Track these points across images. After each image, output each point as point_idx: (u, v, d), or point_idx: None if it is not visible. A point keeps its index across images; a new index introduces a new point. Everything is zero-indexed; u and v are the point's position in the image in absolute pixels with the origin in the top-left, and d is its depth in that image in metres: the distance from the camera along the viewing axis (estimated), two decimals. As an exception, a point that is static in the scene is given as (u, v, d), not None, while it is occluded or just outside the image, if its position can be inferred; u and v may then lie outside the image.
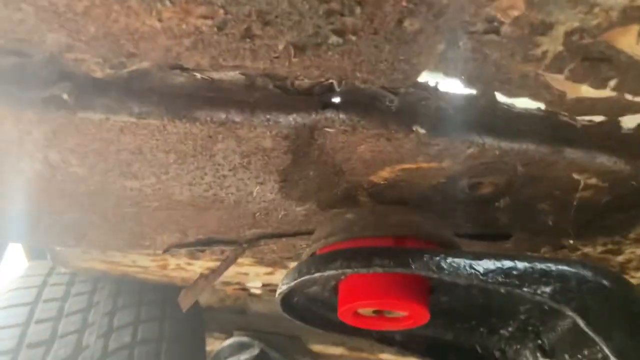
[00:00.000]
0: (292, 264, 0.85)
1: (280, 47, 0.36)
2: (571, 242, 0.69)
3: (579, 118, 0.47)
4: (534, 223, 0.61)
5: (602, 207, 0.58)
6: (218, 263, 0.85)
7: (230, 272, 1.06)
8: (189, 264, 1.11)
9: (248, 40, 0.35)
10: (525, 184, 0.53)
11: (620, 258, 0.76)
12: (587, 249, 0.73)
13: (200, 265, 1.09)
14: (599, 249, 0.73)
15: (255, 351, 1.64)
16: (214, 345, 1.83)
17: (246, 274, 1.24)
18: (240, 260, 0.78)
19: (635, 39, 0.37)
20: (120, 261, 1.13)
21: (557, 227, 0.62)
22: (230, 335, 1.80)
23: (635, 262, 0.77)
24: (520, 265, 0.46)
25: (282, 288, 0.53)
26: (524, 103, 0.45)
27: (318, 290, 0.59)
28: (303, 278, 0.49)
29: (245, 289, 1.60)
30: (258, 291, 1.57)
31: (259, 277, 1.31)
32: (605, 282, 0.46)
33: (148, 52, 0.35)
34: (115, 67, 0.36)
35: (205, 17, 0.32)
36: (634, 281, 0.84)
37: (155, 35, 0.34)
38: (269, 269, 1.13)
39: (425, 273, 0.46)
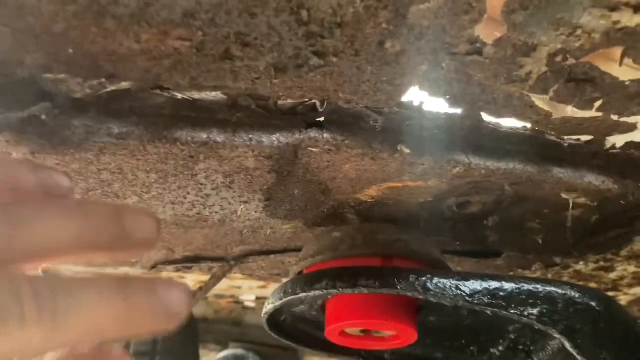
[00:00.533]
0: (284, 280, 0.85)
1: (261, 68, 0.35)
2: (562, 260, 0.69)
3: (566, 137, 0.47)
4: (524, 241, 0.61)
5: (592, 225, 0.58)
6: (209, 276, 0.84)
7: (224, 286, 1.06)
8: (182, 277, 1.11)
9: (228, 61, 0.34)
10: (514, 203, 0.53)
11: (612, 275, 0.75)
12: (579, 266, 0.73)
13: (193, 279, 1.08)
14: (591, 266, 0.73)
15: (250, 363, 1.63)
16: (209, 356, 1.82)
17: (239, 287, 1.24)
18: (231, 274, 0.77)
19: (619, 61, 0.37)
20: (112, 273, 1.13)
21: (548, 246, 0.61)
22: (225, 347, 1.79)
23: (628, 279, 0.77)
24: (507, 286, 0.45)
25: (267, 307, 0.52)
26: (510, 122, 0.45)
27: (305, 309, 0.58)
28: (289, 298, 0.49)
29: (239, 302, 1.60)
30: (252, 304, 1.57)
31: (252, 291, 1.31)
32: (593, 304, 0.45)
33: (127, 73, 0.35)
34: (95, 87, 0.36)
35: (183, 39, 0.32)
36: (627, 298, 0.84)
37: (134, 57, 0.33)
38: (262, 283, 1.13)
39: (412, 294, 0.46)
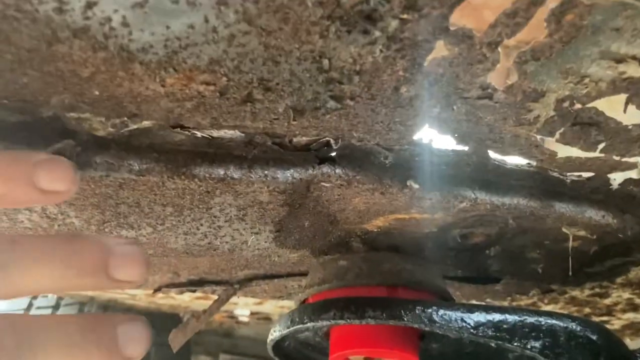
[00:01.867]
0: (284, 300, 0.86)
1: (280, 110, 0.37)
2: (559, 287, 0.70)
3: (568, 174, 0.48)
4: (524, 270, 0.62)
5: (590, 256, 0.59)
6: (205, 294, 0.85)
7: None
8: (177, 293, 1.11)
9: (249, 103, 0.35)
10: (516, 234, 0.54)
11: (607, 301, 0.77)
12: (575, 292, 0.74)
13: (189, 295, 1.09)
14: (587, 292, 0.74)
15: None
16: (200, 367, 1.82)
17: (235, 303, 1.24)
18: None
19: (623, 107, 0.39)
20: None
21: (547, 274, 0.63)
22: (216, 358, 1.79)
23: (622, 304, 0.78)
24: (511, 318, 0.47)
25: (273, 335, 0.53)
26: (515, 160, 0.46)
27: (309, 335, 0.59)
28: (296, 327, 0.50)
29: (233, 317, 1.60)
30: (246, 319, 1.57)
31: (247, 307, 1.31)
32: (594, 337, 0.46)
33: (150, 113, 0.36)
34: (117, 126, 0.37)
35: (207, 84, 0.33)
36: (620, 322, 0.85)
37: (157, 99, 0.34)
38: (259, 300, 1.13)
39: (418, 325, 0.47)
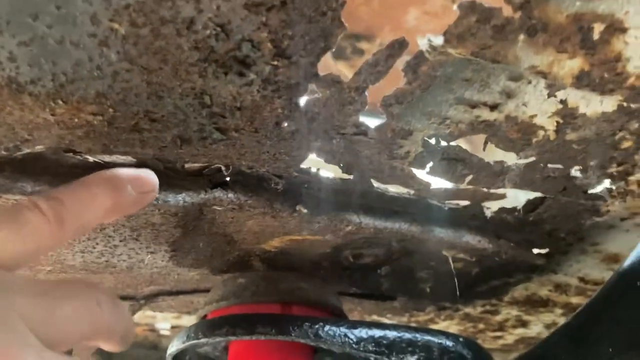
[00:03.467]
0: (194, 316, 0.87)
1: (168, 138, 0.39)
2: (451, 304, 0.75)
3: (446, 202, 0.53)
4: (414, 289, 0.66)
5: (473, 277, 0.64)
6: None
7: (138, 315, 1.06)
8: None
9: (137, 133, 0.38)
10: (402, 255, 0.58)
11: (498, 317, 0.83)
12: (468, 309, 0.80)
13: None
14: (479, 309, 0.80)
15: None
16: (127, 380, 1.78)
17: (154, 317, 1.24)
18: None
19: (482, 145, 0.43)
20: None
21: (436, 293, 0.67)
22: (144, 370, 1.76)
23: (512, 321, 0.84)
24: (390, 334, 0.51)
25: (171, 350, 0.55)
26: (396, 188, 0.51)
27: (209, 350, 0.61)
28: (191, 342, 0.52)
29: (154, 330, 1.58)
30: (167, 332, 1.56)
31: (167, 320, 1.31)
32: (464, 352, 0.51)
33: (42, 139, 0.37)
34: (10, 149, 0.38)
35: (95, 114, 0.35)
36: (512, 337, 0.92)
37: (49, 126, 0.36)
38: (176, 314, 1.14)
39: (304, 340, 0.50)
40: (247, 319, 0.51)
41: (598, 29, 0.32)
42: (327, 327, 0.50)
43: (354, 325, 0.51)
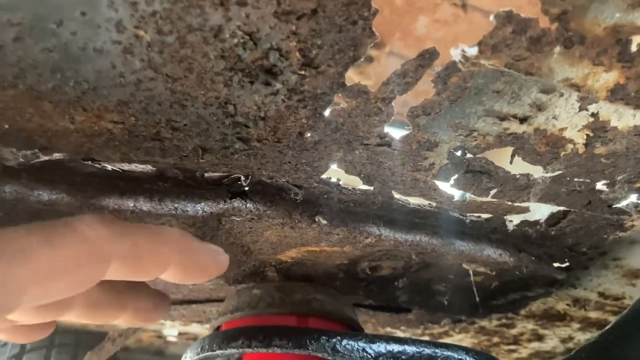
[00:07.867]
0: (205, 325, 0.86)
1: (189, 147, 0.38)
2: (467, 317, 0.74)
3: (468, 214, 0.52)
4: (431, 301, 0.65)
5: (491, 290, 0.63)
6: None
7: (146, 321, 1.06)
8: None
9: (158, 141, 0.37)
10: (421, 268, 0.57)
11: (513, 331, 0.81)
12: (484, 322, 0.78)
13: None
14: (494, 322, 0.78)
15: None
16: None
17: (162, 323, 1.23)
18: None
19: (509, 158, 0.42)
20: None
21: (453, 306, 0.66)
22: (147, 376, 1.76)
23: (527, 334, 0.83)
24: (409, 349, 0.49)
25: (185, 360, 0.54)
26: (417, 200, 0.50)
27: (222, 361, 0.60)
28: (205, 354, 0.51)
29: (161, 337, 1.58)
30: (174, 339, 1.55)
31: (175, 327, 1.30)
32: (485, 368, 0.50)
33: (60, 147, 0.37)
34: (28, 157, 0.37)
35: (116, 122, 0.35)
36: (526, 351, 0.90)
37: (68, 134, 0.35)
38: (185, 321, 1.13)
39: (322, 355, 0.49)
40: (264, 331, 0.50)
41: (637, 41, 0.31)
42: (344, 342, 0.49)
43: (372, 339, 0.50)
